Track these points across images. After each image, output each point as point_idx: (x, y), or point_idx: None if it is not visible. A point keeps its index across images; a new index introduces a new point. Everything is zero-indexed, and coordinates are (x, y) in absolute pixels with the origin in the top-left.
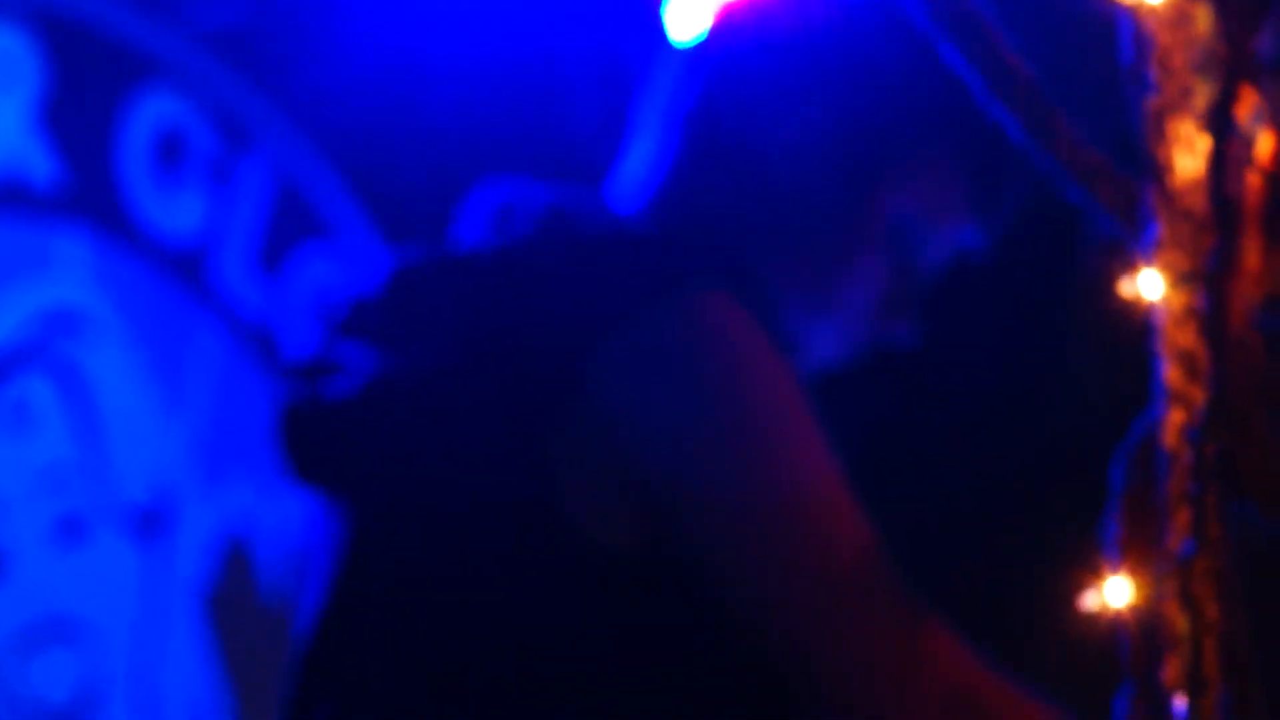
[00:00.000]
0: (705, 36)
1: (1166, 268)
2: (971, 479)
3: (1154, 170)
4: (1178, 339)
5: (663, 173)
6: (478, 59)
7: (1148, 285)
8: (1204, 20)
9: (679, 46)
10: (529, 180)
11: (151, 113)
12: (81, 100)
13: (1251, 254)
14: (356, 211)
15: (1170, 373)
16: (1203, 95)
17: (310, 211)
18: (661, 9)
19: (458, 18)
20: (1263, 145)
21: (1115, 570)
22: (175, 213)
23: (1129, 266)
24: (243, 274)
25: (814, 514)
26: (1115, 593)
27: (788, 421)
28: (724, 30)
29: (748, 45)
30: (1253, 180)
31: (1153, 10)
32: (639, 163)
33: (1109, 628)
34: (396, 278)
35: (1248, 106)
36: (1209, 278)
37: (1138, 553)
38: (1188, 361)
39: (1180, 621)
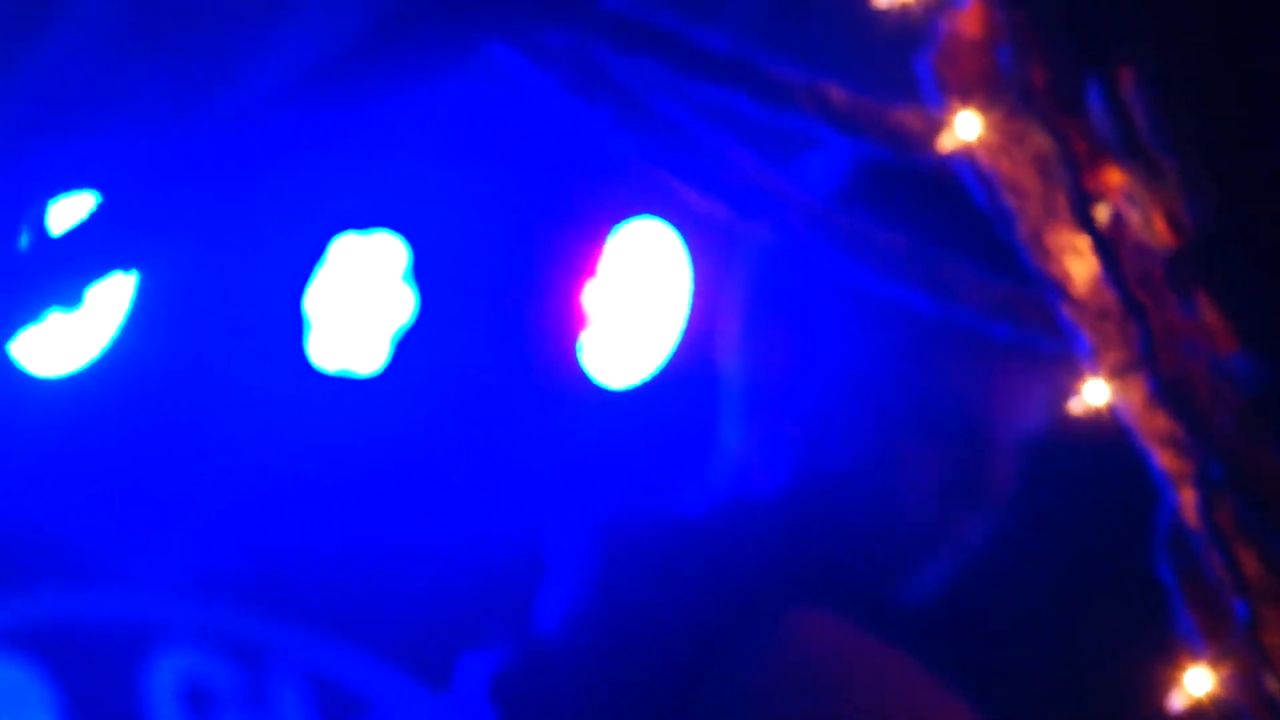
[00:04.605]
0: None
1: (1109, 368)
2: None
3: (1055, 287)
4: (1152, 426)
5: None
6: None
7: (1093, 393)
8: (1031, 130)
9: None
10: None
11: (168, 674)
12: (103, 699)
13: (1206, 311)
14: (394, 671)
15: (1161, 459)
16: (1064, 200)
17: (351, 693)
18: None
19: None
20: (1156, 220)
21: (1200, 659)
22: None
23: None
24: None
25: None
26: (1196, 683)
27: None
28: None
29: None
30: (1164, 246)
31: (982, 146)
32: None
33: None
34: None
35: (1114, 187)
36: (1147, 359)
37: (1223, 631)
38: (1171, 442)
39: (1271, 680)
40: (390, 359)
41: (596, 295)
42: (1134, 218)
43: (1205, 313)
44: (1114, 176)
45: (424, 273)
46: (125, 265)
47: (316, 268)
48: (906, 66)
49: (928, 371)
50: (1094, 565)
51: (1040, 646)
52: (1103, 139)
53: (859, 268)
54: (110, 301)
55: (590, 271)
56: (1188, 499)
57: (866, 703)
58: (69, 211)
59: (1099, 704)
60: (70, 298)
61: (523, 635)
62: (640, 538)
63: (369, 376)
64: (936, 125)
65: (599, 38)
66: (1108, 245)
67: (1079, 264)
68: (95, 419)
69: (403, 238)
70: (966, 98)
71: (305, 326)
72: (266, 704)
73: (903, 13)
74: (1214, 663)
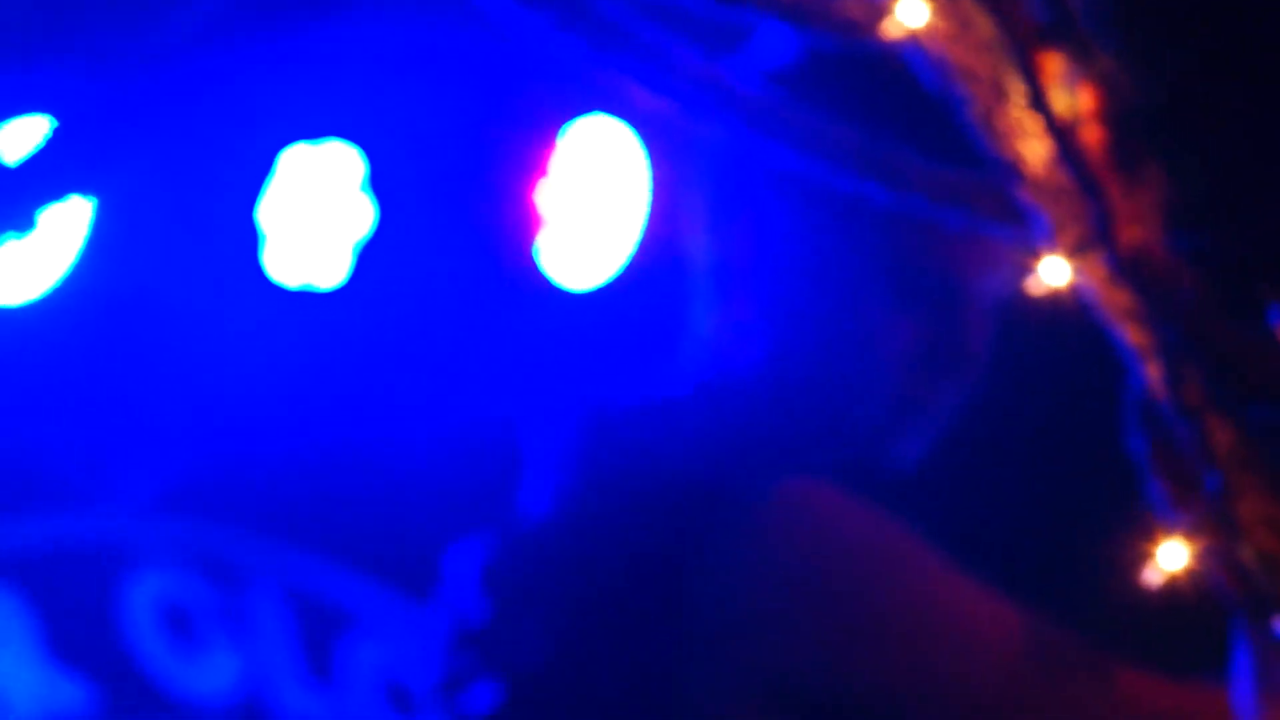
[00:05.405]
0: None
1: (1068, 246)
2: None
3: (1010, 169)
4: (1115, 301)
5: None
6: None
7: (1051, 272)
8: (979, 17)
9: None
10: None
11: (146, 595)
12: (81, 623)
13: (1155, 185)
14: (373, 585)
15: (1127, 334)
16: (1014, 83)
17: (333, 608)
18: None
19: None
20: (1084, 100)
21: (1174, 529)
22: (210, 672)
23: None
24: (302, 693)
25: None
26: (1170, 557)
27: None
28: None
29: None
30: (1091, 133)
31: (932, 32)
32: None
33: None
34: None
35: (1055, 72)
36: (1104, 235)
37: (1194, 502)
38: (1134, 316)
39: (1244, 549)
40: (352, 271)
41: (552, 195)
42: (1079, 97)
43: (1151, 189)
44: (1055, 58)
45: (381, 182)
46: (80, 189)
47: (267, 181)
48: None
49: (895, 243)
50: (1069, 431)
51: (1020, 512)
52: (1042, 22)
53: (811, 162)
54: (68, 228)
55: (542, 171)
56: (1155, 372)
57: (867, 563)
58: (21, 136)
59: (1075, 563)
60: (23, 223)
61: (510, 526)
62: (620, 423)
63: (332, 289)
64: (882, 13)
65: None
66: (1061, 124)
67: (1032, 145)
68: (59, 344)
69: (359, 148)
70: None
71: (260, 241)
72: (246, 622)
73: None
74: (1187, 534)
